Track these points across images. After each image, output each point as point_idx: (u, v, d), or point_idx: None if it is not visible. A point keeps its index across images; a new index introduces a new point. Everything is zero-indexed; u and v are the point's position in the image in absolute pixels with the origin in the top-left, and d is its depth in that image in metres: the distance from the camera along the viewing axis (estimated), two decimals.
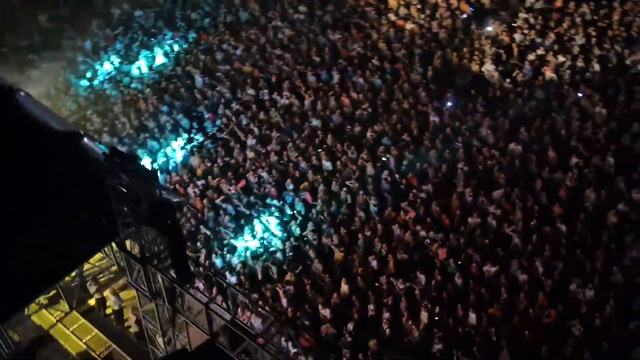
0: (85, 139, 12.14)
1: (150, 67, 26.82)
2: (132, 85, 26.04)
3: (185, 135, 23.25)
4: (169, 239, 10.89)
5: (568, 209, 18.72)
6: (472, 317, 16.45)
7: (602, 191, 18.90)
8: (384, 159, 21.06)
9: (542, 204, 18.91)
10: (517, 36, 25.21)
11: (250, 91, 24.46)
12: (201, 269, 16.25)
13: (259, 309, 15.57)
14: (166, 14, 29.71)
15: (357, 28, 26.77)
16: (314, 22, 27.65)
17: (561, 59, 23.84)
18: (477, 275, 17.47)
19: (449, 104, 22.85)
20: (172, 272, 12.01)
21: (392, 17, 27.16)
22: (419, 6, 27.24)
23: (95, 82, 26.67)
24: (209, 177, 21.38)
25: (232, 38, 27.39)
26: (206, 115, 23.95)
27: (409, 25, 26.46)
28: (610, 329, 15.88)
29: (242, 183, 20.74)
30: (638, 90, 22.11)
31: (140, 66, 26.78)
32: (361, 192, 19.96)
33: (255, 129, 22.83)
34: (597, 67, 23.28)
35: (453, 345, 15.98)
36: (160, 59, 26.98)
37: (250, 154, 21.96)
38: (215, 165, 21.87)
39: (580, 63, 23.47)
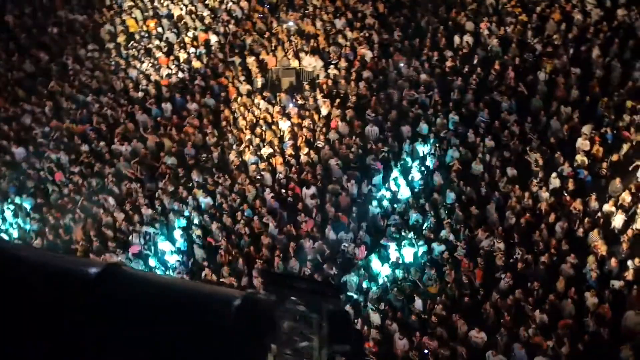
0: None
1: None
2: None
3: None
4: (353, 352, 9.65)
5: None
6: (418, 302, 17.33)
7: (460, 147, 20.82)
8: (258, 177, 20.90)
9: (423, 174, 20.28)
10: (319, 23, 26.11)
11: (85, 147, 22.43)
12: None
13: None
14: None
15: (163, 52, 25.73)
16: (111, 55, 26.02)
17: (366, 34, 25.22)
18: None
19: (290, 105, 23.21)
20: None
21: (193, 32, 26.50)
22: (211, 16, 26.91)
23: None
24: (91, 256, 19.43)
25: (32, 96, 24.70)
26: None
27: (213, 37, 26.06)
28: (531, 270, 17.74)
29: (134, 249, 19.16)
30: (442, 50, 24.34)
31: None
32: (255, 218, 19.69)
33: (112, 187, 21.15)
34: (400, 35, 25.06)
35: (415, 335, 16.73)
36: None
37: (120, 216, 20.39)
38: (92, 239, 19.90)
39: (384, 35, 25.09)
